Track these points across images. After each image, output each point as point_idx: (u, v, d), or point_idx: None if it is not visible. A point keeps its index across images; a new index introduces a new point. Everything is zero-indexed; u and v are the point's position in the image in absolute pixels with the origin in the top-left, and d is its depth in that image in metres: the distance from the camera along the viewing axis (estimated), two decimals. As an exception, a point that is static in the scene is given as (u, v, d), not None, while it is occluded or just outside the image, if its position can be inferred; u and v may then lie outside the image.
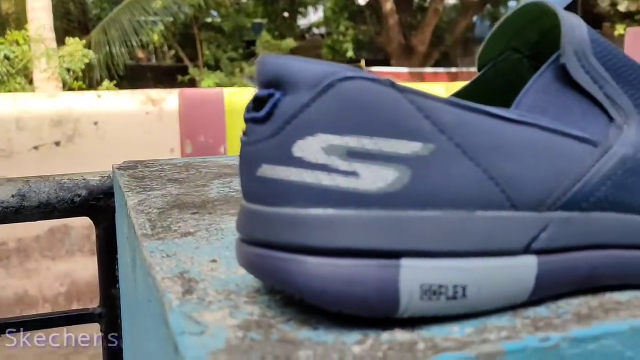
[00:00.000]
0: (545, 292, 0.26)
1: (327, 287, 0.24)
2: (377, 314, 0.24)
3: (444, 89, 3.10)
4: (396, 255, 0.24)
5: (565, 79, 0.27)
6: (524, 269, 0.25)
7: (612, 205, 0.26)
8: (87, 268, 2.79)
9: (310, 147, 0.24)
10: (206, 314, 0.26)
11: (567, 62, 0.26)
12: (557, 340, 0.23)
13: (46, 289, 2.87)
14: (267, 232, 0.25)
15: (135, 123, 3.06)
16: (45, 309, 2.85)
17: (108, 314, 0.70)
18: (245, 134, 0.26)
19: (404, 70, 8.08)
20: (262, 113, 0.25)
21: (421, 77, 7.76)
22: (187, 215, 0.42)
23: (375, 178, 0.24)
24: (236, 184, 0.53)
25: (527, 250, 0.25)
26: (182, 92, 2.92)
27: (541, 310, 0.26)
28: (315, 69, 0.24)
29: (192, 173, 0.58)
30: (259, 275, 0.25)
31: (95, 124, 3.02)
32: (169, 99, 3.07)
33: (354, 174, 0.24)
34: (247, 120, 0.26)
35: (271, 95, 0.25)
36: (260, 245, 0.25)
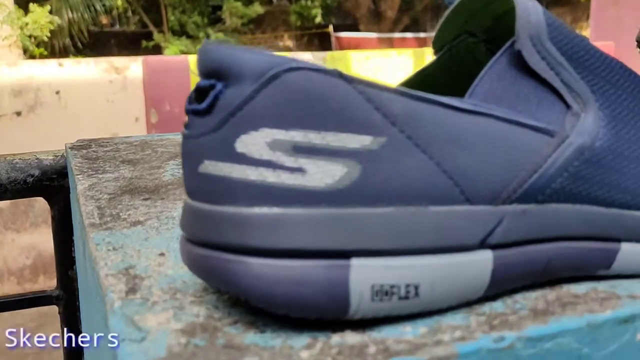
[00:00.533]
0: (501, 286, 0.25)
1: (273, 289, 0.22)
2: (326, 316, 0.23)
3: (411, 56, 3.08)
4: (345, 254, 0.23)
5: (521, 65, 0.26)
6: (479, 265, 0.24)
7: (568, 197, 0.26)
8: (52, 240, 2.75)
9: (253, 142, 0.23)
10: (149, 317, 0.25)
11: (522, 47, 0.25)
12: (511, 339, 0.23)
13: (11, 262, 2.82)
14: (210, 231, 0.23)
15: (99, 92, 2.99)
16: (11, 282, 2.82)
17: (65, 296, 0.69)
18: (186, 126, 0.25)
19: (373, 35, 8.01)
20: (204, 105, 0.23)
21: (390, 43, 7.71)
22: (138, 202, 0.41)
23: (322, 174, 0.23)
24: (192, 164, 0.51)
25: (482, 245, 0.24)
26: (145, 60, 2.86)
27: (497, 306, 0.25)
28: (259, 59, 0.23)
29: (147, 153, 0.56)
30: (203, 277, 0.24)
31: (57, 93, 2.95)
32: (133, 66, 3.01)
33: (300, 170, 0.23)
34: (188, 112, 0.24)
35: (212, 86, 0.24)
36: (204, 245, 0.24)
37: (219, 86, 0.23)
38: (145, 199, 0.41)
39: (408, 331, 0.23)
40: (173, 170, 0.49)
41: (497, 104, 0.25)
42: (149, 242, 0.33)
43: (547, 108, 0.26)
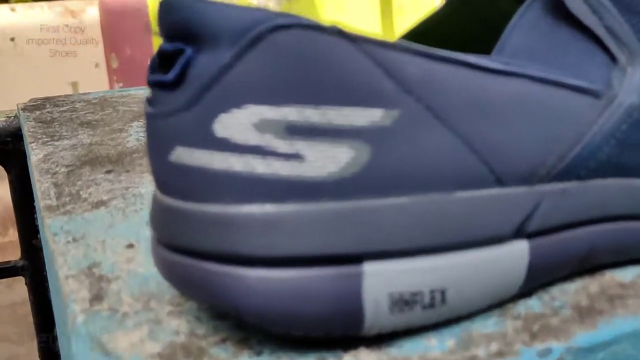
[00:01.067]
0: (538, 280, 0.21)
1: (271, 305, 0.18)
2: (335, 333, 0.19)
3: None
4: (356, 259, 0.18)
5: (557, 10, 0.21)
6: (514, 258, 0.20)
7: (615, 169, 0.21)
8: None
9: (237, 123, 0.18)
10: (119, 336, 0.20)
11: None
12: (559, 351, 0.19)
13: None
14: (189, 235, 0.19)
15: (56, 37, 2.86)
16: (-22, 237, 2.74)
17: (31, 267, 0.64)
18: (150, 102, 0.20)
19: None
20: (170, 76, 0.19)
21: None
22: (100, 175, 0.36)
23: (324, 160, 0.18)
24: (159, 126, 0.46)
25: (517, 234, 0.20)
26: (101, 2, 2.73)
27: (533, 304, 0.21)
28: (238, 15, 0.18)
29: (107, 112, 0.51)
30: (182, 289, 0.20)
31: (12, 39, 2.81)
32: (89, 10, 2.87)
33: (296, 156, 0.18)
34: (150, 84, 0.19)
35: (180, 51, 0.19)
36: (182, 251, 0.19)
37: (189, 51, 0.18)
38: (108, 172, 0.36)
39: (434, 345, 0.19)
40: (138, 134, 0.44)
41: (531, 60, 0.21)
42: (115, 230, 0.28)
43: (589, 62, 0.21)
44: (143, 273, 0.24)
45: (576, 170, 0.21)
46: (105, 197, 0.32)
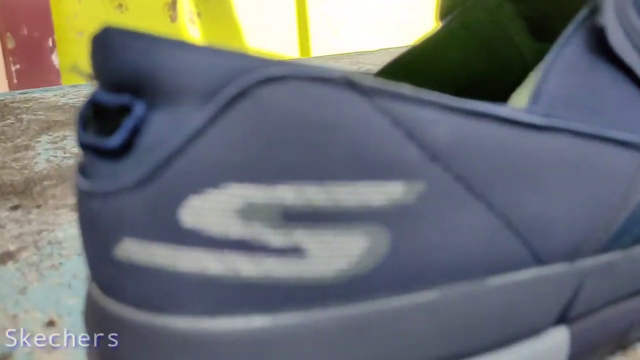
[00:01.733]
0: None
1: None
2: None
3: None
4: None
5: (598, 48, 0.17)
6: (554, 351, 0.16)
7: None
8: None
9: (212, 208, 0.13)
10: None
11: (607, 22, 0.16)
12: None
13: None
14: (142, 356, 0.14)
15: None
16: None
17: None
18: (82, 171, 0.14)
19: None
20: (114, 141, 0.13)
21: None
22: (4, 214, 0.29)
23: (331, 254, 0.14)
24: (72, 141, 0.40)
25: (558, 321, 0.16)
26: (-7, -24, 2.53)
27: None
28: (212, 62, 0.13)
29: (9, 122, 0.44)
30: None
31: None
32: (-21, -16, 2.66)
33: (295, 250, 0.13)
34: (84, 147, 0.14)
35: (126, 107, 0.13)
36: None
37: (139, 108, 0.13)
38: (14, 208, 0.30)
39: None
40: (47, 153, 0.37)
41: (570, 110, 0.16)
42: (28, 300, 0.23)
43: (630, 110, 0.17)
44: (71, 368, 0.19)
45: (622, 239, 0.17)
46: (12, 247, 0.26)
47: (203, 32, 1.35)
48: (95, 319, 0.15)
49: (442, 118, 0.14)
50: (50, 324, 0.21)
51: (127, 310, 0.14)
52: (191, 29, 1.34)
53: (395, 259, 0.14)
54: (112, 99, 0.14)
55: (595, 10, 0.17)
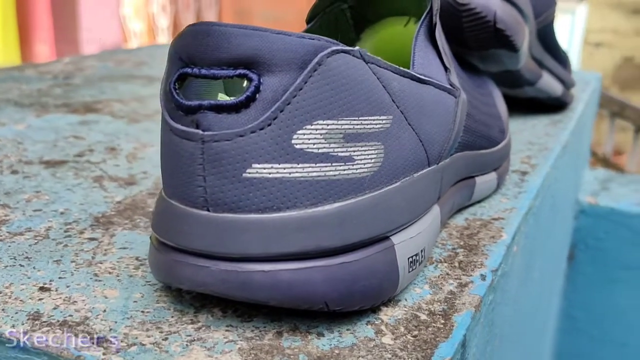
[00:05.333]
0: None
1: (352, 288, 0.22)
2: (383, 299, 0.23)
3: None
4: (386, 236, 0.23)
5: (428, 35, 0.28)
6: (437, 218, 0.28)
7: (461, 147, 0.30)
8: None
9: (310, 137, 0.21)
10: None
11: (437, 21, 0.28)
12: (491, 278, 0.27)
13: None
14: (268, 243, 0.21)
15: None
16: None
17: None
18: (198, 125, 0.20)
19: None
20: (241, 98, 0.20)
21: None
22: None
23: (365, 159, 0.22)
24: None
25: (436, 201, 0.28)
26: None
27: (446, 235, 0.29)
28: (302, 43, 0.21)
29: None
30: (247, 296, 0.21)
31: None
32: None
33: (350, 158, 0.22)
34: (203, 108, 0.20)
35: (243, 76, 0.20)
36: (254, 260, 0.21)
37: (254, 76, 0.20)
38: None
39: (422, 292, 0.25)
40: None
41: (425, 72, 0.28)
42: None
43: (441, 72, 0.29)
44: None
45: (451, 149, 0.29)
46: None
47: None
48: (209, 230, 0.21)
49: (393, 76, 0.24)
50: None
51: (250, 216, 0.21)
52: None
53: (386, 162, 0.23)
54: (227, 72, 0.20)
55: (430, 13, 0.28)
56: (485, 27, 0.39)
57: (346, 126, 0.22)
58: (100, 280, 0.25)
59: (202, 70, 0.20)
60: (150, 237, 0.24)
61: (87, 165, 0.39)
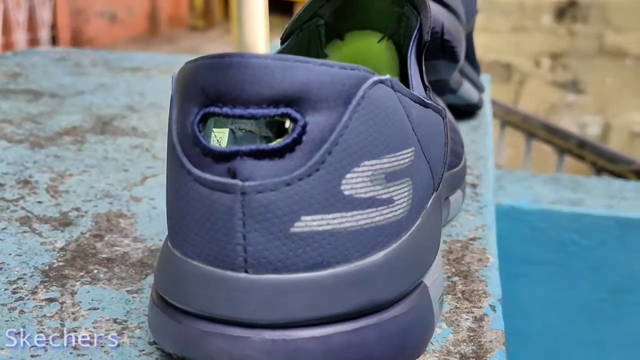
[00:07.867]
0: None
1: (406, 341, 0.20)
2: (425, 349, 0.21)
3: None
4: (420, 279, 0.21)
5: (417, 55, 0.27)
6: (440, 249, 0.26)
7: (448, 167, 0.29)
8: None
9: (358, 179, 0.19)
10: None
11: (427, 40, 0.26)
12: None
13: None
14: (320, 304, 0.18)
15: None
16: None
17: None
18: (238, 175, 0.17)
19: None
20: (287, 141, 0.17)
21: None
22: None
23: (402, 199, 0.20)
24: None
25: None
26: None
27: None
28: (346, 75, 0.18)
29: None
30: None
31: None
32: None
33: (390, 200, 0.20)
34: (241, 154, 0.17)
35: (285, 115, 0.17)
36: (303, 325, 0.18)
37: (297, 115, 0.18)
38: None
39: (442, 332, 0.24)
40: None
41: (420, 94, 0.26)
42: None
43: (423, 91, 0.28)
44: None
45: (444, 171, 0.28)
46: None
47: None
48: (249, 299, 0.18)
49: (414, 104, 0.22)
50: None
51: (297, 275, 0.18)
52: None
53: (414, 197, 0.21)
54: (268, 111, 0.17)
55: (420, 31, 0.26)
56: (433, 39, 0.38)
57: (387, 165, 0.19)
58: (84, 355, 0.21)
59: (236, 109, 0.17)
60: (151, 298, 0.21)
61: (3, 205, 0.33)
